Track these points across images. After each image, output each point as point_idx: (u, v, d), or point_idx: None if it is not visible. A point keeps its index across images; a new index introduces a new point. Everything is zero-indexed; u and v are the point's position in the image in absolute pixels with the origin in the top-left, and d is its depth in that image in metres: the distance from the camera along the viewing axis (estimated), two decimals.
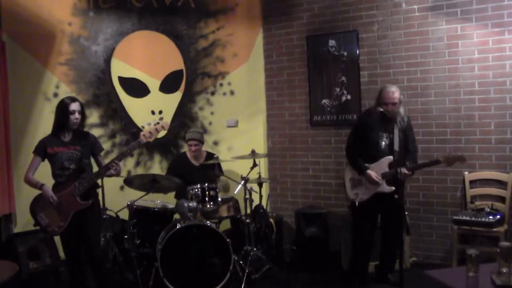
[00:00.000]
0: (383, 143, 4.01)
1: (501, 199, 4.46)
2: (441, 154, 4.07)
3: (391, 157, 3.92)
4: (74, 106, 3.65)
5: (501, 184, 4.47)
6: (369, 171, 3.98)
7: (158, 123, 3.77)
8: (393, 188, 3.90)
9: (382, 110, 3.89)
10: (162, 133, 3.83)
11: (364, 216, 4.08)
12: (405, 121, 4.03)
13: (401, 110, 4.00)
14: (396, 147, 3.93)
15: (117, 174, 3.80)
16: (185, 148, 5.05)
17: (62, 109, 3.66)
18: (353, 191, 4.12)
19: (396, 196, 3.76)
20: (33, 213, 3.69)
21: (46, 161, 3.76)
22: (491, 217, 4.24)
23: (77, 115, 3.65)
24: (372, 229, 4.13)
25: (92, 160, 3.88)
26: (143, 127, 3.83)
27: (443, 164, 3.93)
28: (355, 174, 4.11)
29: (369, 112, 4.19)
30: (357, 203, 4.03)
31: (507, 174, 4.44)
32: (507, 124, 4.46)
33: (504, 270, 2.62)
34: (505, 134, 4.47)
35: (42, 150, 3.69)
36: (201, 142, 4.88)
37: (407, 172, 3.87)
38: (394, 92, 3.92)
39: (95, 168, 3.85)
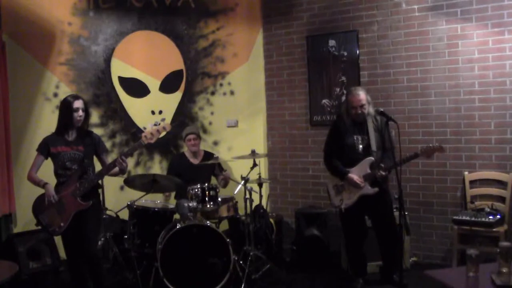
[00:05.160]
0: (360, 146, 4.02)
1: (501, 199, 4.46)
2: (420, 147, 4.03)
3: (372, 158, 3.95)
4: (78, 104, 3.63)
5: (501, 184, 4.47)
6: (350, 175, 3.98)
7: (159, 124, 3.71)
8: (377, 189, 3.94)
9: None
10: (162, 133, 3.80)
11: (352, 221, 4.10)
12: (378, 120, 4.03)
13: (371, 109, 4.02)
14: (374, 147, 3.96)
15: (123, 172, 3.73)
16: (185, 149, 5.05)
17: (66, 108, 3.64)
18: (337, 197, 4.13)
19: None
20: (35, 213, 3.69)
21: (50, 159, 3.73)
22: (491, 217, 4.24)
23: (80, 112, 3.63)
24: (363, 231, 4.14)
25: (95, 160, 3.85)
26: (144, 128, 3.78)
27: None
28: (338, 181, 4.12)
29: (340, 116, 4.20)
30: (343, 209, 4.06)
31: (507, 174, 4.43)
32: (507, 124, 4.46)
33: (504, 270, 2.62)
34: (505, 134, 4.47)
35: (45, 149, 3.68)
36: (199, 136, 4.89)
37: (383, 173, 3.90)
38: (360, 95, 3.96)
39: (98, 168, 3.81)
